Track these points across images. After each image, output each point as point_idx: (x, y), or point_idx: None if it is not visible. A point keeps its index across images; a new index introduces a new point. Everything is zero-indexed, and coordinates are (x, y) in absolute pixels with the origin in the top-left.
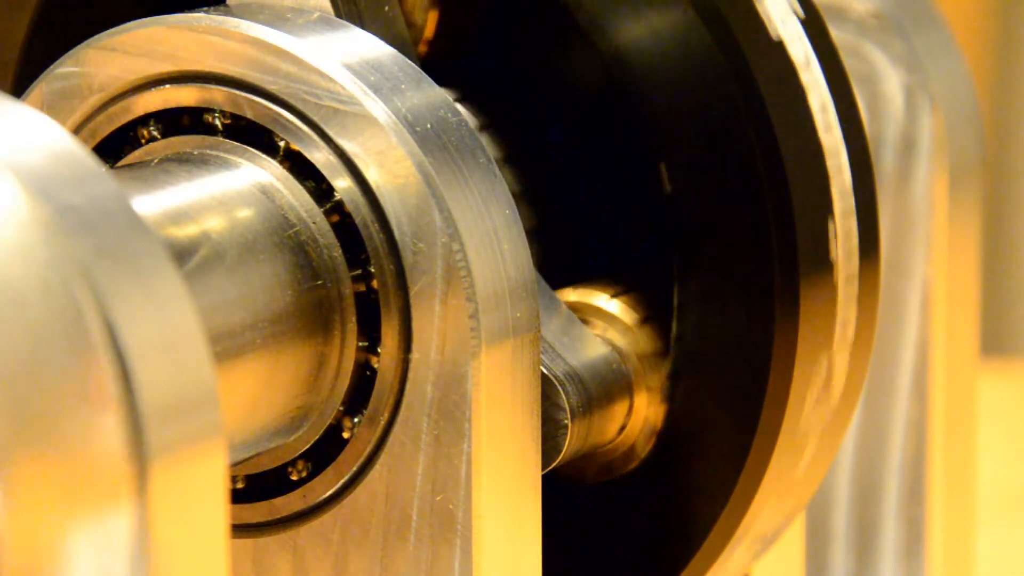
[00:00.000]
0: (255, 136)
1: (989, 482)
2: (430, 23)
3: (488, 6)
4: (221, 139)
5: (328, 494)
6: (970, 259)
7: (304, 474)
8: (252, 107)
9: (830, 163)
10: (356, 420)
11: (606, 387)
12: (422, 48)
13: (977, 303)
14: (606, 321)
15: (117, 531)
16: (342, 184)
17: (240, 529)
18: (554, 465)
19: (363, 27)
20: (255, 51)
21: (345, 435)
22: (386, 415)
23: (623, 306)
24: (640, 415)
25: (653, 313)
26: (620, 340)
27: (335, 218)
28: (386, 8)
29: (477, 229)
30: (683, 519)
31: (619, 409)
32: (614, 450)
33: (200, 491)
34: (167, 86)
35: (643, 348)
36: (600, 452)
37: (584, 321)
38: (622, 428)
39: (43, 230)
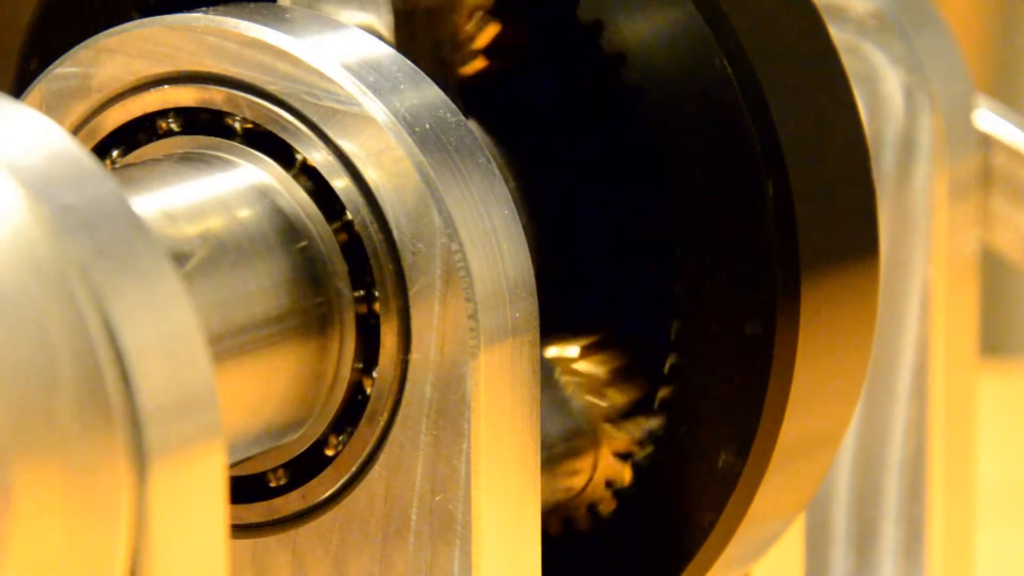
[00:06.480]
0: (255, 136)
1: (989, 482)
2: (485, 37)
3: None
4: (221, 139)
5: (327, 494)
6: (970, 259)
7: (303, 476)
8: (251, 107)
9: None
10: (355, 421)
11: (571, 444)
12: (478, 62)
13: (977, 303)
14: (578, 377)
15: (117, 531)
16: (341, 184)
17: (240, 529)
18: None
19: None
20: (254, 51)
21: (344, 436)
22: (385, 415)
23: (595, 364)
24: (606, 468)
25: (627, 370)
26: (591, 396)
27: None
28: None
29: (476, 229)
30: (677, 534)
31: (583, 465)
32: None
33: (200, 491)
34: (166, 86)
35: (618, 405)
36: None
37: (555, 377)
38: (588, 481)
39: (42, 230)
